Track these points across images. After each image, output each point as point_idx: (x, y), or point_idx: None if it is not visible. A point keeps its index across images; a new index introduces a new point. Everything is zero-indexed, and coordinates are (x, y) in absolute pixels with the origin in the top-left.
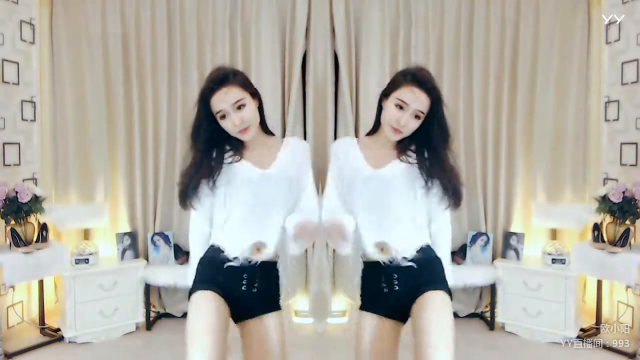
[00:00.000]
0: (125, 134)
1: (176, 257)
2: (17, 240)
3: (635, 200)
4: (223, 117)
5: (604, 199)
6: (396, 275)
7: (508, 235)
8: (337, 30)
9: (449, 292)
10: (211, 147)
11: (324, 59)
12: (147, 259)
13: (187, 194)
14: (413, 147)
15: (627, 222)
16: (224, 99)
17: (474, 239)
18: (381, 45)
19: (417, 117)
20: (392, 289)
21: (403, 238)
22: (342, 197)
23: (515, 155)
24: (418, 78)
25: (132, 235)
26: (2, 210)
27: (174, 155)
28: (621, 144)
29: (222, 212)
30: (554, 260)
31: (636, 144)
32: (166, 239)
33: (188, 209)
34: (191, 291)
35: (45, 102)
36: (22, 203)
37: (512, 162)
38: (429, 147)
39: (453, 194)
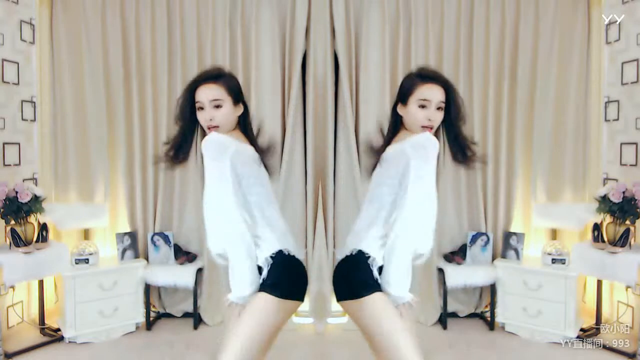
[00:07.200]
0: (125, 134)
1: (176, 257)
2: (17, 240)
3: (635, 200)
4: (201, 108)
5: (604, 199)
6: None
7: (508, 235)
8: (337, 30)
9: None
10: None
11: (324, 59)
12: (147, 259)
13: (178, 148)
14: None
15: (627, 222)
16: (205, 93)
17: (474, 239)
18: (381, 45)
19: (439, 109)
20: None
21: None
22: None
23: (515, 155)
24: (429, 75)
25: (132, 235)
26: (2, 210)
27: None
28: (621, 144)
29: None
30: (554, 260)
31: (636, 144)
32: (166, 239)
33: (178, 164)
34: None
35: (45, 102)
36: (22, 203)
37: (512, 162)
38: (449, 125)
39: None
